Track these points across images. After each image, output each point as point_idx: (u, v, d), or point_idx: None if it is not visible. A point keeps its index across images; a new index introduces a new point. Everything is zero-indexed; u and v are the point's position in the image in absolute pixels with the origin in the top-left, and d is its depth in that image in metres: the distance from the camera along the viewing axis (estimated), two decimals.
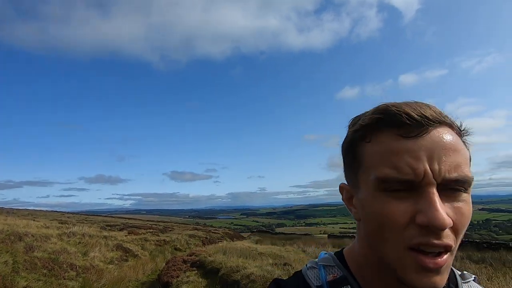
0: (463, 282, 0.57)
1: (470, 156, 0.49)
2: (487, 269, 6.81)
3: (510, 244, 10.58)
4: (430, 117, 0.47)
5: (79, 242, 7.78)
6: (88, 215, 30.58)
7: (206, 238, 17.55)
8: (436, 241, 0.44)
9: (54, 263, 5.56)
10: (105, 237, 9.10)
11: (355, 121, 0.55)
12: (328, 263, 0.59)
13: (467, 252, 9.18)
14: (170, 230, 19.52)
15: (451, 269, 0.55)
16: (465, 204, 0.46)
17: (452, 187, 0.46)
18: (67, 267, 5.77)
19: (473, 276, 0.59)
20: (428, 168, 0.45)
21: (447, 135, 0.47)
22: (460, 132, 0.50)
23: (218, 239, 18.50)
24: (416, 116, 0.47)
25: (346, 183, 0.57)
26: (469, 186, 0.47)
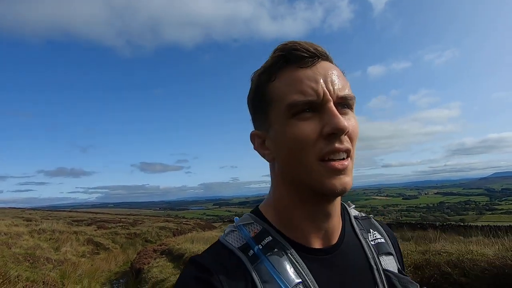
0: (350, 209, 0.72)
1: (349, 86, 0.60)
2: (411, 245, 8.35)
3: (437, 224, 12.66)
4: (321, 51, 0.58)
5: (50, 238, 8.08)
6: (52, 211, 29.36)
7: (177, 229, 18.14)
8: (340, 146, 0.54)
9: (32, 258, 5.96)
10: (75, 232, 9.41)
11: (258, 69, 0.62)
12: (247, 221, 0.63)
13: (401, 232, 10.87)
14: (141, 223, 19.76)
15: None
16: (354, 118, 0.58)
17: (342, 104, 0.57)
18: (44, 260, 6.20)
19: (353, 204, 0.74)
20: (325, 88, 0.55)
21: (333, 66, 0.59)
22: (340, 70, 0.61)
23: (189, 230, 19.14)
24: (311, 49, 0.57)
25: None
26: (353, 104, 0.59)
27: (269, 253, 0.56)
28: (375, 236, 0.69)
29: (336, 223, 0.62)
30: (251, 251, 0.57)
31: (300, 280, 0.55)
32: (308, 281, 0.55)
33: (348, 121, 0.56)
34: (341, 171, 0.55)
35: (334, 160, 0.55)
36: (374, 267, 0.63)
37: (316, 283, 0.56)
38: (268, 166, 0.64)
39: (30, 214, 19.54)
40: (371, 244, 0.67)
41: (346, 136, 0.56)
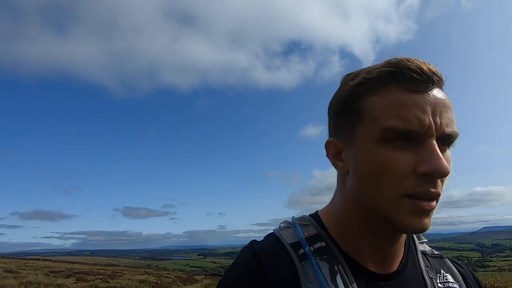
0: (419, 242, 0.64)
1: None
2: None
3: None
4: (437, 75, 0.51)
5: None
6: (26, 259, 27.83)
7: (157, 283, 17.76)
8: (433, 190, 0.49)
9: None
10: (58, 285, 9.62)
11: (352, 76, 0.56)
12: (303, 221, 0.60)
13: None
14: (120, 276, 19.22)
15: None
16: (450, 157, 0.52)
17: (445, 141, 0.51)
18: None
19: (426, 239, 0.66)
20: (432, 120, 0.49)
21: (445, 94, 0.52)
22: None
23: (169, 283, 18.69)
24: (427, 72, 0.50)
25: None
26: (455, 141, 0.52)
27: (318, 257, 0.55)
28: (446, 279, 0.60)
29: (398, 252, 0.58)
30: (302, 250, 0.56)
31: None
32: None
33: (447, 162, 0.50)
34: (427, 212, 0.50)
35: (423, 200, 0.50)
36: None
37: None
38: (337, 173, 0.60)
39: (5, 263, 18.87)
40: (439, 286, 0.58)
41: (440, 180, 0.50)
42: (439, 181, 0.51)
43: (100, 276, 16.48)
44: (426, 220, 0.51)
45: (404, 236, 0.59)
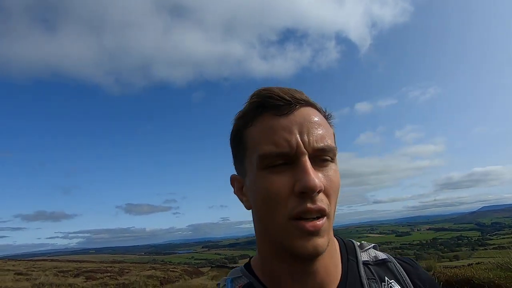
0: (361, 251, 0.61)
1: (334, 133, 0.56)
2: None
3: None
4: (298, 97, 0.57)
5: None
6: (33, 260, 28.25)
7: (164, 277, 18.12)
8: (312, 206, 0.53)
9: None
10: (69, 285, 9.84)
11: (238, 112, 0.61)
12: (236, 274, 0.62)
13: None
14: (127, 272, 19.58)
15: (351, 241, 0.58)
16: (333, 172, 0.54)
17: (320, 156, 0.54)
18: None
19: (372, 244, 0.62)
20: (299, 140, 0.54)
21: (313, 113, 0.56)
22: (325, 115, 0.56)
23: (176, 277, 19.08)
24: (286, 96, 0.56)
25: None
26: (334, 156, 0.55)
27: None
28: (391, 286, 0.59)
29: (324, 279, 0.58)
30: None
31: None
32: None
33: (326, 176, 0.53)
34: (313, 233, 0.53)
35: (307, 219, 0.54)
36: None
37: None
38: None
39: (13, 265, 19.15)
40: None
41: (321, 194, 0.54)
42: (320, 196, 0.53)
43: (109, 274, 16.79)
44: (318, 241, 0.53)
45: (324, 262, 0.57)
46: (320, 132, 0.55)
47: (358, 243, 0.62)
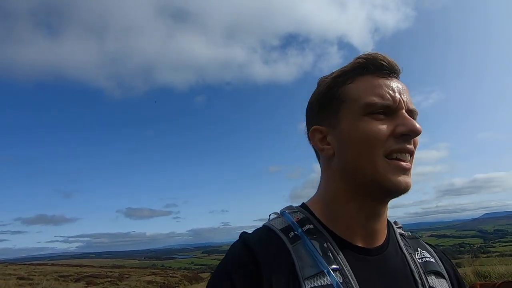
0: (397, 227, 0.72)
1: None
2: None
3: None
4: (398, 68, 0.66)
5: None
6: (34, 265, 28.30)
7: (164, 283, 18.18)
8: (408, 146, 0.60)
9: None
10: None
11: (328, 74, 0.69)
12: (291, 209, 0.66)
13: None
14: (128, 277, 19.66)
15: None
16: None
17: (410, 115, 0.63)
18: None
19: (402, 225, 0.74)
20: (401, 98, 0.62)
21: (403, 84, 0.66)
22: None
23: (176, 283, 19.12)
24: (392, 62, 0.64)
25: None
26: (416, 119, 0.64)
27: (309, 237, 0.59)
28: (423, 255, 0.67)
29: (382, 227, 0.65)
30: (292, 233, 0.61)
31: (338, 267, 0.56)
32: (346, 271, 0.57)
33: None
34: (406, 171, 0.60)
35: (400, 160, 0.60)
36: (419, 281, 0.62)
37: (355, 277, 0.56)
38: (320, 163, 0.69)
39: (14, 269, 19.28)
40: (418, 261, 0.66)
41: (412, 141, 0.61)
42: (412, 141, 0.62)
43: (109, 279, 16.88)
44: (408, 179, 0.60)
45: (387, 211, 0.66)
46: (410, 98, 0.65)
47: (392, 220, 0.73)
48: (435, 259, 0.69)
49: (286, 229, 0.62)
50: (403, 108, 0.62)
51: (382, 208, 0.64)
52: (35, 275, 15.10)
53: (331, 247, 0.60)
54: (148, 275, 21.67)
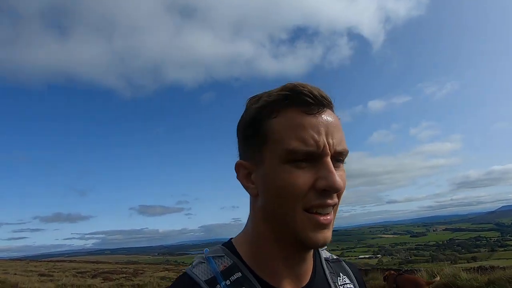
0: (321, 250, 0.70)
1: None
2: None
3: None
4: (327, 99, 0.58)
5: None
6: (53, 261, 29.50)
7: None
8: (330, 201, 0.57)
9: None
10: (89, 286, 10.45)
11: (256, 99, 0.60)
12: (217, 254, 0.60)
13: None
14: (142, 273, 20.25)
15: None
16: (343, 172, 0.58)
17: (337, 158, 0.58)
18: None
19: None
20: (325, 141, 0.57)
21: (333, 115, 0.59)
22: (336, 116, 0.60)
23: None
24: (318, 95, 0.58)
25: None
26: (345, 158, 0.59)
27: None
28: (345, 281, 0.67)
29: (309, 266, 0.63)
30: (218, 286, 0.57)
31: None
32: None
33: (340, 177, 0.58)
34: (325, 226, 0.57)
35: (320, 214, 0.57)
36: None
37: None
38: (249, 199, 0.63)
39: (35, 266, 20.16)
40: None
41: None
42: (335, 194, 0.59)
43: (124, 275, 17.46)
44: (328, 234, 0.58)
45: (311, 251, 0.64)
46: (340, 136, 0.59)
47: None
48: (353, 284, 0.69)
49: (211, 281, 0.58)
50: (328, 155, 0.58)
51: (306, 254, 0.61)
52: (55, 272, 15.79)
53: None
54: (162, 271, 22.24)
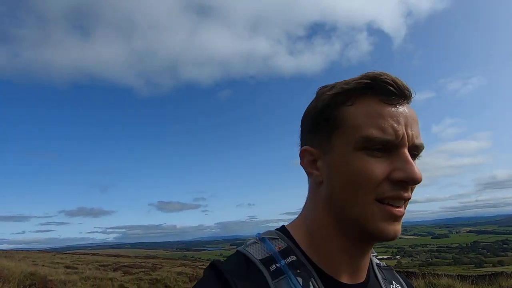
0: (372, 255, 0.67)
1: None
2: None
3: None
4: (410, 90, 0.55)
5: (93, 285, 9.66)
6: (78, 254, 31.12)
7: (193, 275, 19.14)
8: (405, 194, 0.53)
9: None
10: (110, 279, 11.03)
11: (329, 87, 0.58)
12: (272, 235, 0.59)
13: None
14: (160, 268, 20.93)
15: None
16: (418, 168, 0.54)
17: (413, 153, 0.55)
18: None
19: (375, 253, 0.68)
20: (405, 132, 0.53)
21: (413, 110, 0.56)
22: None
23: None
24: (402, 86, 0.54)
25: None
26: (421, 153, 0.56)
27: (293, 272, 0.53)
28: None
29: (366, 263, 0.61)
30: (274, 266, 0.54)
31: None
32: None
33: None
34: (397, 218, 0.53)
35: (393, 206, 0.53)
36: None
37: None
38: (308, 184, 0.61)
39: (61, 258, 21.36)
40: None
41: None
42: (409, 188, 0.54)
43: (143, 269, 18.16)
44: (398, 227, 0.54)
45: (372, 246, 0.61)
46: (418, 129, 0.57)
47: None
48: None
49: (267, 261, 0.54)
50: (406, 146, 0.54)
51: (369, 248, 0.59)
52: (79, 264, 16.69)
53: (315, 284, 0.54)
54: (179, 266, 22.88)
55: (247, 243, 0.59)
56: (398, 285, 0.65)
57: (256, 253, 0.56)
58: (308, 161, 0.59)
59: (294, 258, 0.56)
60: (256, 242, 0.59)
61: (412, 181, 0.53)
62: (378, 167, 0.52)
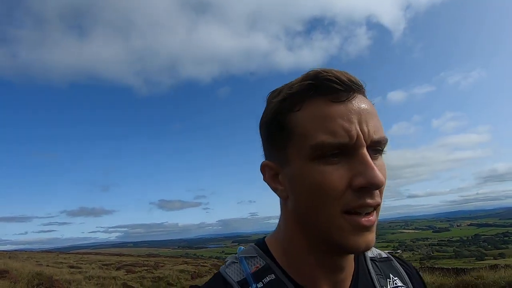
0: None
1: None
2: None
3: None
4: (357, 83, 0.50)
5: (97, 283, 9.87)
6: (80, 254, 31.38)
7: (195, 272, 19.40)
8: (370, 201, 0.47)
9: None
10: (113, 277, 11.26)
11: (276, 93, 0.54)
12: (250, 254, 0.57)
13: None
14: (162, 266, 21.19)
15: None
16: (383, 164, 0.50)
17: (375, 148, 0.49)
18: None
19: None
20: (359, 130, 0.47)
21: (367, 101, 0.50)
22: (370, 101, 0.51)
23: (206, 272, 20.30)
24: (346, 80, 0.49)
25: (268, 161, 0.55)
26: (385, 147, 0.50)
27: None
28: (396, 284, 0.59)
29: (349, 271, 0.57)
30: None
31: None
32: None
33: (380, 170, 0.48)
34: (368, 228, 0.49)
35: (360, 214, 0.48)
36: None
37: None
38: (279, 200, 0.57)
39: (64, 258, 21.62)
40: None
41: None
42: (376, 191, 0.49)
43: (145, 268, 18.41)
44: (369, 237, 0.49)
45: (351, 257, 0.58)
46: (376, 123, 0.51)
47: None
48: (407, 286, 0.61)
49: (244, 283, 0.54)
50: (363, 145, 0.48)
51: (346, 259, 0.56)
52: (82, 263, 16.92)
53: None
54: (181, 264, 23.15)
55: (227, 263, 0.59)
56: (396, 278, 0.61)
57: (234, 275, 0.55)
58: (270, 176, 0.56)
59: (273, 277, 0.53)
60: (235, 262, 0.58)
61: (373, 186, 0.47)
62: (337, 176, 0.48)
